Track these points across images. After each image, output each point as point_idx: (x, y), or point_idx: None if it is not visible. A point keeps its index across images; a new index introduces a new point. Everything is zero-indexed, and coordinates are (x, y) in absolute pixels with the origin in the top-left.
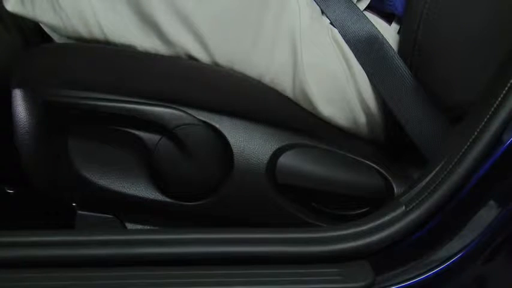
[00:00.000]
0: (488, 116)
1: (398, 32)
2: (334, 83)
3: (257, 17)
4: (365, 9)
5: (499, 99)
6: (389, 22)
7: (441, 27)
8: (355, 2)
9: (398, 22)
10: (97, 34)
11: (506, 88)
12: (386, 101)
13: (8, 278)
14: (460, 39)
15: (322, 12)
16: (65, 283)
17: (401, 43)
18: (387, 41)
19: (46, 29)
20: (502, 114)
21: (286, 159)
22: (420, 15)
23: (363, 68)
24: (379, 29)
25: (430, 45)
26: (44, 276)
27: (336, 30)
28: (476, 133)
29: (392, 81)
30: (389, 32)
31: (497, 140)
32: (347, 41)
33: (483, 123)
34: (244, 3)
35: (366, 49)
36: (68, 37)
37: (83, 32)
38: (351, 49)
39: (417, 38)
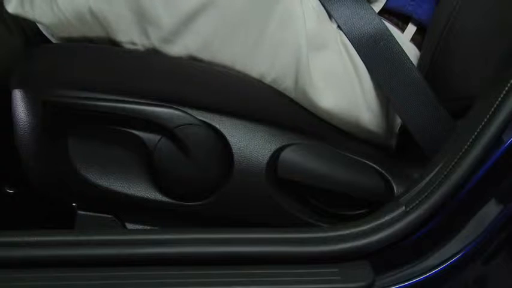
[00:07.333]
0: (488, 116)
1: (416, 34)
2: (338, 84)
3: (261, 20)
4: (380, 13)
5: (499, 99)
6: (406, 24)
7: (469, 22)
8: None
9: (416, 24)
10: (96, 34)
11: (506, 88)
12: (391, 101)
13: (8, 278)
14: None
15: (330, 16)
16: (65, 283)
17: (426, 38)
18: (394, 38)
19: (44, 31)
20: (502, 114)
21: (287, 156)
22: (451, 11)
23: (367, 65)
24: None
25: (453, 39)
26: (44, 276)
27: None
28: (476, 133)
29: (398, 80)
30: (400, 37)
31: (497, 140)
32: (352, 38)
33: (483, 123)
34: (249, 5)
35: (371, 44)
36: (67, 37)
37: (82, 32)
38: (355, 45)
39: (443, 33)
